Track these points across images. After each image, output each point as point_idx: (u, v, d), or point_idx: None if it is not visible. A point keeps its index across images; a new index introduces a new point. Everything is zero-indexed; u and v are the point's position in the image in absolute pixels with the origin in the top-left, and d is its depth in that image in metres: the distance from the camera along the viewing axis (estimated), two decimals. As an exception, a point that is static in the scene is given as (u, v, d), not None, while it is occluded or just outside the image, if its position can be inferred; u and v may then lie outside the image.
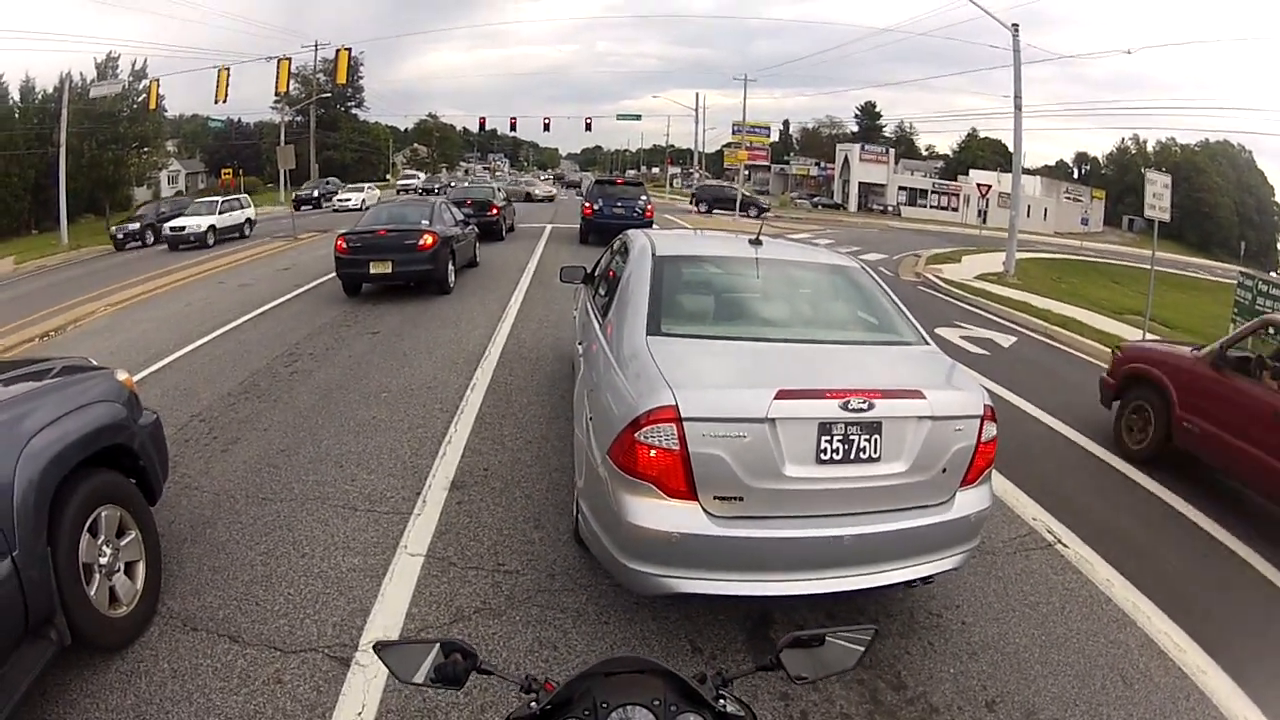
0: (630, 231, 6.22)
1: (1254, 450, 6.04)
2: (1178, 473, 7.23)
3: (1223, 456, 6.50)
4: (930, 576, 3.98)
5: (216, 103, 35.80)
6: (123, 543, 4.00)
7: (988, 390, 4.23)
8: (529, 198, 48.86)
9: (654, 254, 5.04)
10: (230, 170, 54.62)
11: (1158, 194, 14.47)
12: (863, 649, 1.72)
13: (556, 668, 3.75)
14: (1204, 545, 5.99)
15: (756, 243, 5.22)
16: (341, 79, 44.14)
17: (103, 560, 3.81)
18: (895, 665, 3.96)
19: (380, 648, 1.70)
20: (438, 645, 1.68)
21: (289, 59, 34.59)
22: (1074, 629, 4.49)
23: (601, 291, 5.83)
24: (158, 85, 40.32)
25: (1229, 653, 4.40)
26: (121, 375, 4.53)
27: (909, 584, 4.00)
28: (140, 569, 4.09)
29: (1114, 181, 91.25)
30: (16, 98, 44.17)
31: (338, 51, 37.25)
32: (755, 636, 4.10)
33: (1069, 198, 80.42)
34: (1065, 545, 5.54)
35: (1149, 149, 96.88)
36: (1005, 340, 13.75)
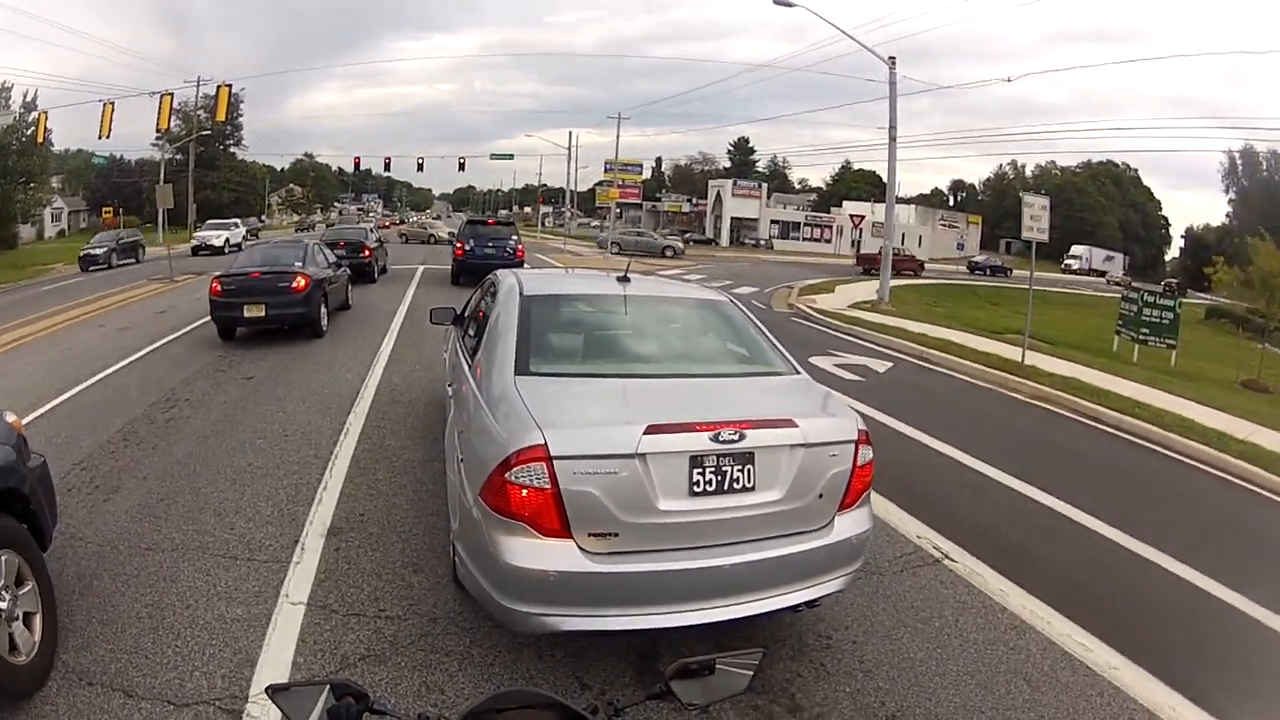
0: (499, 271, 6.19)
1: None
2: (1055, 477, 7.61)
3: None
4: (815, 600, 4.03)
5: (100, 138, 34.20)
6: (21, 592, 3.79)
7: (862, 415, 4.35)
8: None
9: (521, 293, 5.03)
10: (110, 209, 51.99)
11: (1035, 215, 15.17)
12: (752, 672, 1.75)
13: (446, 711, 3.68)
14: (1092, 544, 6.28)
15: (625, 280, 5.20)
16: (221, 116, 43.03)
17: (2, 605, 3.61)
18: (789, 688, 4.01)
19: (273, 691, 1.65)
20: (328, 687, 1.62)
21: (171, 94, 33.21)
22: (970, 639, 4.62)
23: (471, 332, 5.80)
24: (45, 118, 38.22)
25: (1138, 646, 4.59)
26: (10, 417, 4.30)
27: (794, 609, 4.03)
28: (37, 621, 3.89)
29: (992, 206, 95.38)
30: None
31: (219, 88, 36.22)
32: (643, 669, 4.11)
33: (944, 224, 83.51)
34: (953, 560, 5.71)
35: (1028, 173, 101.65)
36: (881, 366, 14.21)
